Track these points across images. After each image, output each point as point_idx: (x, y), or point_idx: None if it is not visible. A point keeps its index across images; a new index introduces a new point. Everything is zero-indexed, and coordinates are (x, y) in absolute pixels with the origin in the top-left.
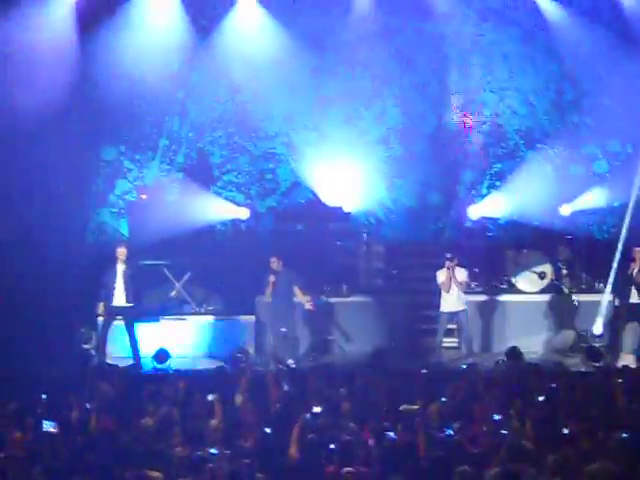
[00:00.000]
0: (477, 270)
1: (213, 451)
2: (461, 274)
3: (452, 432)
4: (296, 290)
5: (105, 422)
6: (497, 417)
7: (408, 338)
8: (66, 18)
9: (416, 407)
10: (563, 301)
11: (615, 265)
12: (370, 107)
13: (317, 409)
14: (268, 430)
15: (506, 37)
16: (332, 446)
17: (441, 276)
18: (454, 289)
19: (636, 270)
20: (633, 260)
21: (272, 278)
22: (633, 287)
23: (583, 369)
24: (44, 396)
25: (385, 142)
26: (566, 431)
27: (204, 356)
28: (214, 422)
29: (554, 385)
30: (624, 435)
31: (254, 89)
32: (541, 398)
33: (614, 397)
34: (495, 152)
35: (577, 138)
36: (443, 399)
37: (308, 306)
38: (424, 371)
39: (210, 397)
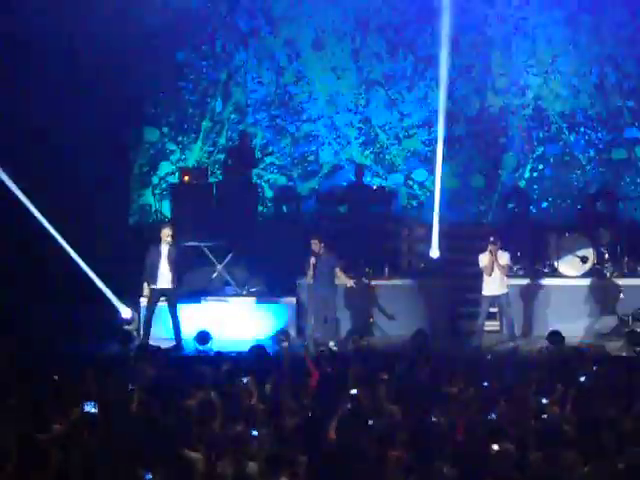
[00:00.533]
0: (519, 254)
1: (254, 432)
2: (503, 258)
3: (494, 416)
4: (337, 272)
5: (147, 404)
6: (539, 401)
7: (450, 321)
8: None
9: (457, 390)
10: (605, 285)
11: None
12: (413, 90)
13: (355, 391)
14: (309, 412)
15: (549, 20)
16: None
17: (484, 259)
18: (496, 273)
19: None
20: None
21: (313, 260)
22: None
23: (624, 354)
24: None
25: (428, 125)
26: (607, 415)
27: (245, 338)
28: (254, 403)
29: (595, 369)
30: None
31: (297, 71)
32: (582, 381)
33: None
34: (537, 135)
35: (620, 122)
36: (485, 383)
37: (350, 284)
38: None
39: (245, 379)
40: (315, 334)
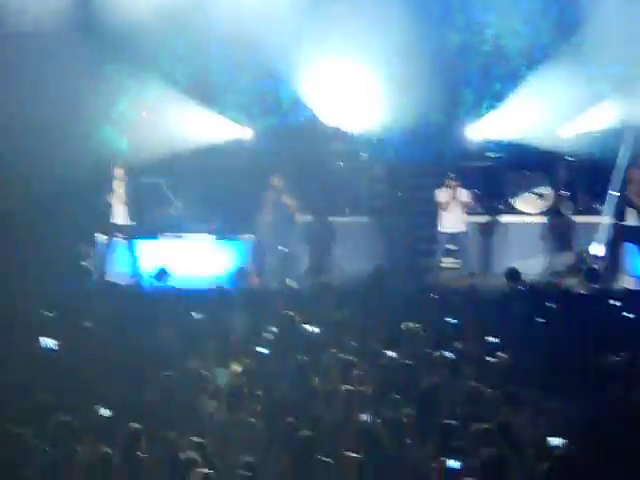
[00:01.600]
0: (477, 191)
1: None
2: (462, 195)
3: (450, 353)
4: (295, 209)
5: (104, 340)
6: (493, 339)
7: (408, 258)
8: None
9: (416, 326)
10: (562, 223)
11: (613, 187)
12: (372, 26)
13: (315, 329)
14: (265, 350)
15: None
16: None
17: (441, 195)
18: (454, 209)
19: (633, 191)
20: (630, 181)
21: (272, 196)
22: (630, 208)
23: (582, 291)
24: None
25: (387, 62)
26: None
27: (204, 275)
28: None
29: (553, 306)
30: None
31: (257, 7)
32: (540, 320)
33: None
34: (496, 72)
35: (579, 59)
36: (447, 319)
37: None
38: (435, 296)
39: (196, 315)
40: (274, 270)
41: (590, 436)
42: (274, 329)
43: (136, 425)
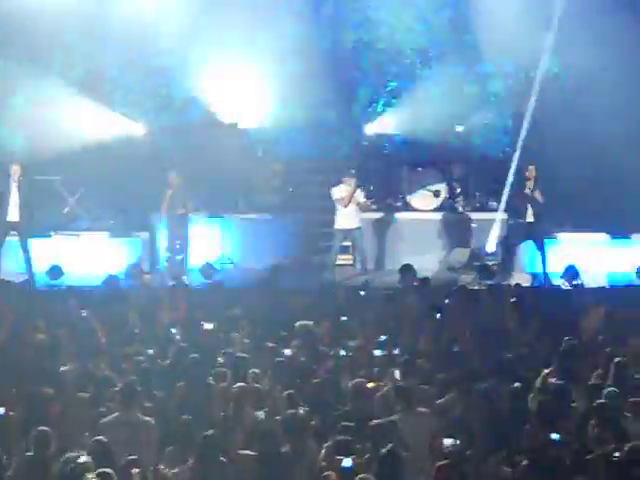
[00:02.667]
0: (372, 188)
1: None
2: (357, 192)
3: (345, 352)
4: (187, 206)
5: None
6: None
7: (303, 255)
8: None
9: (312, 324)
10: (457, 219)
11: (509, 184)
12: (266, 24)
13: (209, 325)
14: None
15: None
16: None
17: (338, 192)
18: (350, 206)
19: (530, 188)
20: (528, 178)
21: (169, 193)
22: (527, 205)
23: (476, 287)
24: None
25: (282, 59)
26: (457, 349)
27: (98, 272)
28: (101, 338)
29: (447, 302)
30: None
31: (151, 4)
32: (436, 315)
33: (506, 315)
34: (390, 70)
35: (472, 57)
36: (341, 316)
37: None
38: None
39: (84, 312)
40: (168, 268)
41: (486, 433)
42: (172, 328)
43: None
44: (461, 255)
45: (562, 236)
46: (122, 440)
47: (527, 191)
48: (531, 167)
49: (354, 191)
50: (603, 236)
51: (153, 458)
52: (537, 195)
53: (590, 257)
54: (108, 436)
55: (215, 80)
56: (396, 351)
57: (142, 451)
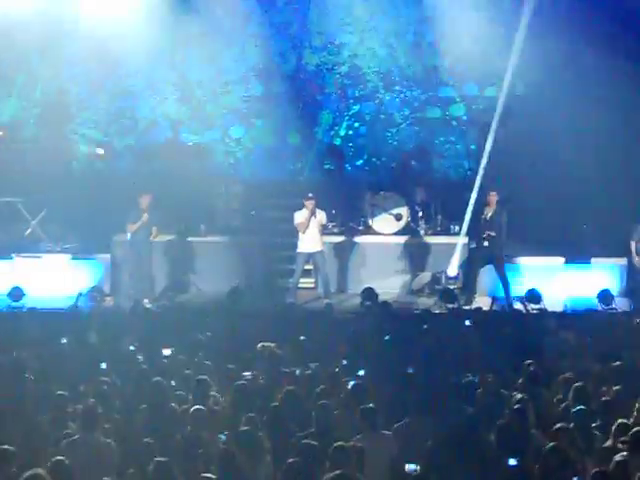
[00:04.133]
0: (334, 211)
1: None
2: (319, 215)
3: (307, 373)
4: (153, 229)
5: None
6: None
7: (265, 278)
8: None
9: (273, 346)
10: (419, 243)
11: (470, 208)
12: (230, 46)
13: (167, 351)
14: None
15: None
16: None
17: (299, 217)
18: (312, 230)
19: (490, 214)
20: (488, 204)
21: (145, 217)
22: (484, 231)
23: (437, 310)
24: None
25: (245, 81)
26: (410, 371)
27: (59, 295)
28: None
29: (409, 326)
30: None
31: (114, 25)
32: (387, 338)
33: (466, 338)
34: (353, 93)
35: (435, 81)
36: (302, 337)
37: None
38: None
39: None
40: (130, 291)
41: (444, 456)
42: (131, 348)
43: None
44: (423, 279)
45: (521, 260)
46: (82, 462)
47: (487, 216)
48: (492, 193)
49: (312, 215)
50: (562, 260)
51: None
52: (501, 219)
53: (550, 282)
54: (69, 457)
55: (179, 102)
56: (360, 372)
57: (102, 473)
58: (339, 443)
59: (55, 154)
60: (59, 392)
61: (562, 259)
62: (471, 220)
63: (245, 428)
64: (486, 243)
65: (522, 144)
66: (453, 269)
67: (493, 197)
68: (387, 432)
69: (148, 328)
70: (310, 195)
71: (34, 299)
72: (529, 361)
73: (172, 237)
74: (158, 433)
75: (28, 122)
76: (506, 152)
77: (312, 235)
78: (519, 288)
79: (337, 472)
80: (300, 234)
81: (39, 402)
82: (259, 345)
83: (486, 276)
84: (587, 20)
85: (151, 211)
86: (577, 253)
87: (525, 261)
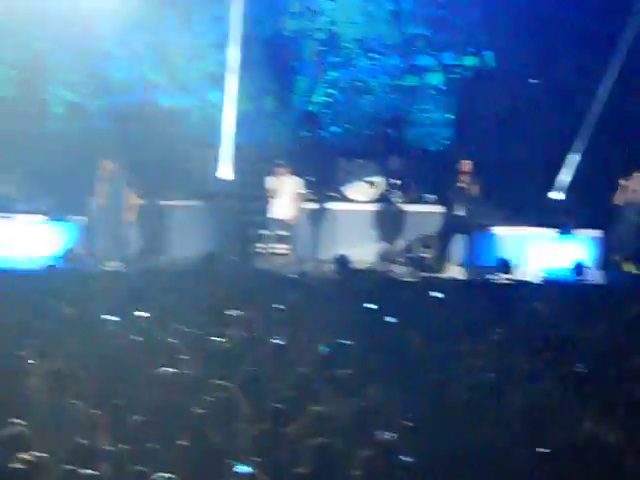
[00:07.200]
0: (309, 178)
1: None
2: (293, 182)
3: (280, 341)
4: (127, 192)
5: None
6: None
7: (239, 244)
8: None
9: (245, 312)
10: (393, 211)
11: (445, 177)
12: (206, 10)
13: (143, 314)
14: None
15: None
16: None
17: (273, 183)
18: (285, 196)
19: (466, 182)
20: (463, 172)
21: (106, 179)
22: (461, 199)
23: (410, 279)
24: None
25: (221, 46)
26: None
27: (33, 256)
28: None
29: (381, 294)
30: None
31: None
32: (370, 305)
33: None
34: (330, 60)
35: (413, 49)
36: (274, 305)
37: (139, 203)
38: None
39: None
40: (103, 253)
41: (414, 425)
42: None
43: None
44: (396, 247)
45: (496, 230)
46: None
47: (461, 185)
48: (467, 162)
49: (285, 182)
50: (537, 231)
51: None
52: (472, 189)
53: (524, 252)
54: (37, 420)
55: (154, 64)
56: (333, 340)
57: (72, 435)
58: (314, 408)
59: (28, 114)
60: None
61: (537, 229)
62: (445, 189)
63: (218, 394)
64: (462, 212)
65: (499, 111)
66: (427, 238)
67: (467, 166)
68: (354, 398)
69: (121, 291)
70: (284, 161)
71: (7, 260)
72: (499, 330)
73: (146, 201)
74: (128, 396)
75: (2, 83)
76: (484, 121)
77: (286, 201)
78: (492, 258)
79: (320, 440)
80: (274, 200)
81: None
82: (232, 311)
83: (460, 245)
84: None
85: (118, 174)
86: (553, 224)
87: (500, 230)
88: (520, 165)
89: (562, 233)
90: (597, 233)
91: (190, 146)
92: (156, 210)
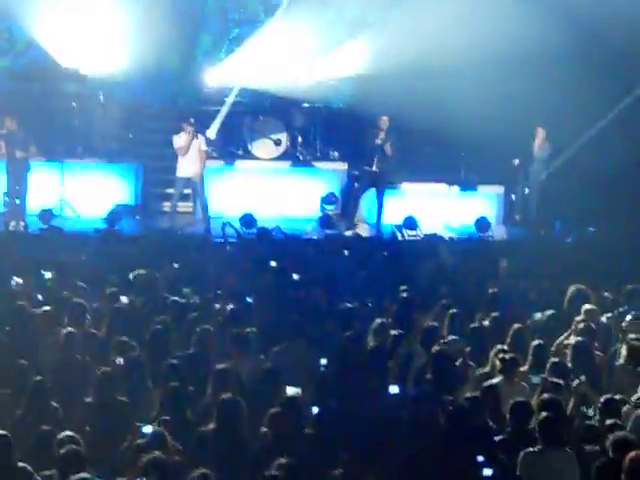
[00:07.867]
0: (213, 136)
1: None
2: (199, 140)
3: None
4: (32, 150)
5: None
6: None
7: (145, 202)
8: None
9: (151, 271)
10: (299, 169)
11: (355, 133)
12: None
13: (48, 274)
14: None
15: None
16: None
17: (179, 140)
18: (191, 154)
19: (381, 138)
20: (380, 129)
21: (6, 137)
22: (376, 155)
23: (315, 236)
24: None
25: (125, 3)
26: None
27: None
28: None
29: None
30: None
31: None
32: (273, 264)
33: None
34: (234, 17)
35: (317, 3)
36: (175, 265)
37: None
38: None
39: None
40: (5, 212)
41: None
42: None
43: None
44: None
45: (405, 186)
46: None
47: (378, 141)
48: (384, 118)
49: (192, 139)
50: (446, 187)
51: None
52: (387, 147)
53: (431, 208)
54: None
55: (56, 24)
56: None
57: None
58: (220, 366)
59: None
60: None
61: (445, 185)
62: (358, 145)
63: (124, 353)
64: (374, 168)
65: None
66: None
67: (385, 122)
68: (262, 356)
69: (24, 251)
70: (190, 119)
71: None
72: (404, 287)
73: (49, 159)
74: (30, 356)
75: None
76: (398, 77)
77: (191, 159)
78: (400, 214)
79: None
80: (179, 158)
81: None
82: (136, 270)
83: (367, 203)
84: None
85: (17, 132)
86: (459, 180)
87: (408, 187)
88: (434, 121)
89: (465, 189)
90: (500, 189)
91: (94, 104)
92: (59, 168)
